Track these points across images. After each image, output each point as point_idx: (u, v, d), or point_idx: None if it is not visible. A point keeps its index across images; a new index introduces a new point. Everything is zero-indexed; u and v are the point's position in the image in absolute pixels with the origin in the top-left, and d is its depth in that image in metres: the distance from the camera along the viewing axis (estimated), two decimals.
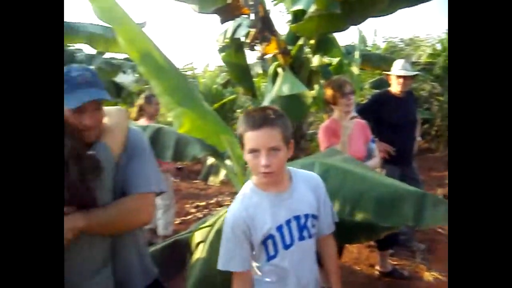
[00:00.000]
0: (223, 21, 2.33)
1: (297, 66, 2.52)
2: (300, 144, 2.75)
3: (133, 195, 1.52)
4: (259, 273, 1.56)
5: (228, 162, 2.53)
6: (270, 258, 1.51)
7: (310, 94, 2.47)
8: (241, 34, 3.22)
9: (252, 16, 2.34)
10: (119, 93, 6.19)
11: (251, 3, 2.05)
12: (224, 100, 7.64)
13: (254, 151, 1.41)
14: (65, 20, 4.68)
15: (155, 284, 1.72)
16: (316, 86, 3.51)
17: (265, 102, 2.47)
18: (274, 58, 2.46)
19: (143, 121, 4.10)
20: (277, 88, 2.30)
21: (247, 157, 1.44)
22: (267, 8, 2.37)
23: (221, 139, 2.22)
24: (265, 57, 2.35)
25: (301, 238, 1.53)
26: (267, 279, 1.54)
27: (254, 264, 1.56)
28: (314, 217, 1.57)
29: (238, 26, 3.61)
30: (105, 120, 1.55)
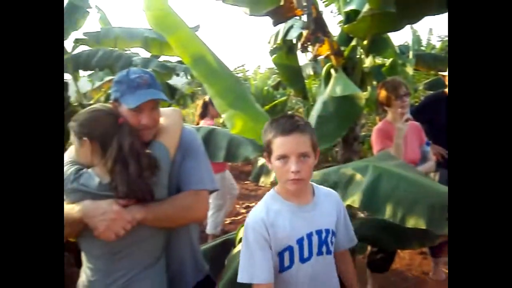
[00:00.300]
0: (275, 23, 2.34)
1: (350, 67, 2.48)
2: (352, 146, 2.71)
3: (187, 192, 1.58)
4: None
5: None
6: (283, 269, 1.47)
7: (363, 96, 2.44)
8: (293, 36, 3.22)
9: (305, 18, 2.34)
10: (173, 95, 6.37)
11: (304, 4, 2.05)
12: (275, 102, 7.64)
13: (283, 157, 1.40)
14: (121, 26, 4.91)
15: (206, 280, 1.76)
16: (369, 88, 3.44)
17: (317, 104, 2.46)
18: (327, 59, 2.44)
19: (203, 122, 4.20)
20: (329, 90, 2.28)
21: (275, 163, 1.43)
22: (320, 9, 2.36)
23: None
24: (318, 58, 2.34)
25: (320, 253, 1.49)
26: None
27: None
28: (333, 233, 1.55)
29: (290, 27, 3.61)
30: (161, 120, 1.61)
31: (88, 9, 5.08)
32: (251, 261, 1.44)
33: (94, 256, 1.50)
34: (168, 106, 1.79)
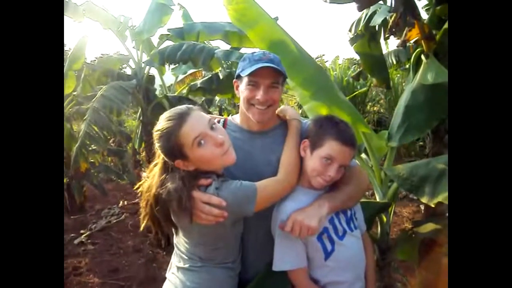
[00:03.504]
0: (361, 8, 2.22)
1: (442, 53, 2.29)
2: (444, 139, 2.52)
3: (354, 167, 1.69)
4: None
5: (363, 155, 2.44)
6: (328, 254, 1.54)
7: None
8: (377, 22, 3.06)
9: (389, 1, 2.20)
10: None
11: None
12: (356, 93, 7.43)
13: (330, 159, 1.50)
14: (203, 21, 5.05)
15: None
16: None
17: (405, 93, 2.31)
18: (416, 44, 2.28)
19: None
20: (419, 77, 2.13)
21: (318, 159, 1.51)
22: None
23: (357, 131, 2.15)
24: (407, 44, 2.19)
25: (350, 229, 1.59)
26: (327, 280, 1.57)
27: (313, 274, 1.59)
28: (355, 212, 1.67)
29: (373, 13, 3.44)
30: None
31: (171, 7, 5.28)
32: (283, 250, 1.54)
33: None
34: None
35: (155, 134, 1.44)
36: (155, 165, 1.51)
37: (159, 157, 1.50)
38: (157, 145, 1.45)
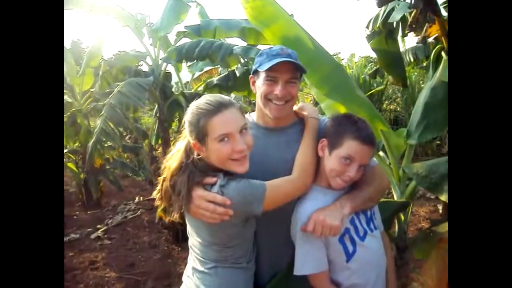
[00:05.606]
0: (380, 4, 2.20)
1: None
2: None
3: (374, 167, 1.66)
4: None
5: (381, 153, 2.42)
6: (350, 256, 1.50)
7: None
8: (396, 18, 3.02)
9: None
10: None
11: None
12: (372, 91, 7.34)
13: (349, 159, 1.45)
14: (220, 17, 5.05)
15: None
16: None
17: (425, 90, 2.28)
18: (436, 41, 2.24)
19: None
20: (439, 74, 2.10)
21: (336, 159, 1.46)
22: None
23: (375, 129, 2.13)
24: (427, 40, 2.15)
25: (370, 230, 1.56)
26: (350, 282, 1.53)
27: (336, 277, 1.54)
28: (373, 212, 1.63)
29: (391, 10, 3.40)
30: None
31: (189, 3, 5.31)
32: (303, 254, 1.49)
33: None
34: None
35: (193, 108, 1.44)
36: (184, 139, 1.51)
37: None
38: (187, 118, 1.45)
